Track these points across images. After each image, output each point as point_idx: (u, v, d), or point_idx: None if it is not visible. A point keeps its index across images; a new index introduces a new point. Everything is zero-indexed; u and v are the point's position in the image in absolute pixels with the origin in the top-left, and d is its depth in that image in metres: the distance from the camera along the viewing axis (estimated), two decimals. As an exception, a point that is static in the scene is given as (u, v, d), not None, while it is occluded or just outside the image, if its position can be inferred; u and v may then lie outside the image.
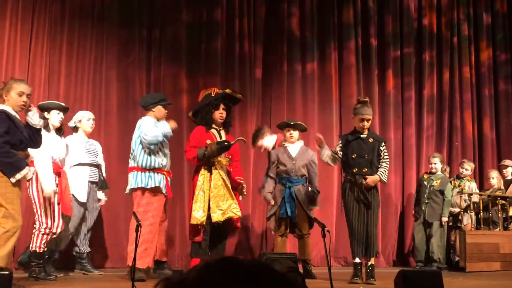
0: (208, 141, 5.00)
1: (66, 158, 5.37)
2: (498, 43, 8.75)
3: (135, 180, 4.90)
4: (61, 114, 5.18)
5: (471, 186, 7.20)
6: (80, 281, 5.08)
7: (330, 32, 7.84)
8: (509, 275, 6.21)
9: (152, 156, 4.94)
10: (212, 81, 6.96)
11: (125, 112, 6.71)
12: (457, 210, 6.98)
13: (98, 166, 5.68)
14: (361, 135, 5.22)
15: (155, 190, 4.93)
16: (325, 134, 7.44)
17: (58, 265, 5.51)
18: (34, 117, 4.18)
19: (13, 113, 4.12)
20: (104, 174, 5.78)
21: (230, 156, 5.20)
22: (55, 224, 4.94)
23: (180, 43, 7.14)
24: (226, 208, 4.89)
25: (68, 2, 6.73)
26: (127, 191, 5.11)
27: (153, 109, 5.12)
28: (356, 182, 5.11)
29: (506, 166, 7.55)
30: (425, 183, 6.96)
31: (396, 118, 8.02)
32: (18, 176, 4.01)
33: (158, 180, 4.93)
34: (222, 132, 5.18)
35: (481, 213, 6.81)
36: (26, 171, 4.05)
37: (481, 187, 7.82)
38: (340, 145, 5.30)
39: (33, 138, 4.22)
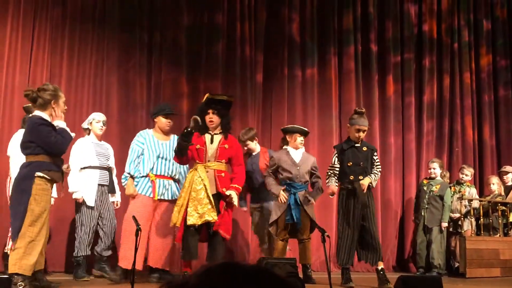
0: (198, 146, 4.98)
1: (74, 160, 5.46)
2: (498, 49, 8.77)
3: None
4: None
5: (471, 191, 7.20)
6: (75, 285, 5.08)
7: (330, 37, 7.85)
8: (509, 281, 6.21)
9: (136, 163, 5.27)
10: (212, 86, 6.97)
11: (125, 116, 6.72)
12: (457, 215, 6.98)
13: (109, 169, 5.66)
14: (356, 144, 5.41)
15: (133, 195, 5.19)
16: (324, 139, 7.51)
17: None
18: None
19: (50, 119, 4.19)
20: (115, 178, 5.77)
21: (223, 160, 5.06)
22: None
23: (180, 47, 7.16)
24: (203, 212, 4.83)
25: (69, 7, 6.74)
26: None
27: (155, 120, 5.37)
28: (356, 189, 5.21)
29: (507, 172, 7.55)
30: (425, 188, 6.96)
31: (396, 123, 8.03)
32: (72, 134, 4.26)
33: (143, 185, 5.18)
34: (217, 137, 5.06)
35: (481, 219, 6.80)
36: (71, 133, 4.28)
37: (481, 193, 7.82)
38: (336, 155, 5.47)
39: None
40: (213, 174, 4.97)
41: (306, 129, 5.76)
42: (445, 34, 8.50)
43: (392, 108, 8.00)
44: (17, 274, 3.90)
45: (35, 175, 4.02)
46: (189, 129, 4.76)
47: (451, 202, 6.95)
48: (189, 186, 4.91)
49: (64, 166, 4.45)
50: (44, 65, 6.50)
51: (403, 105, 8.14)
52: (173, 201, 5.17)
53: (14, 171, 5.13)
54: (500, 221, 6.93)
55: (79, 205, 5.48)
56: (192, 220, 4.81)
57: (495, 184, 7.27)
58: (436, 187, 6.88)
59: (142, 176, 5.22)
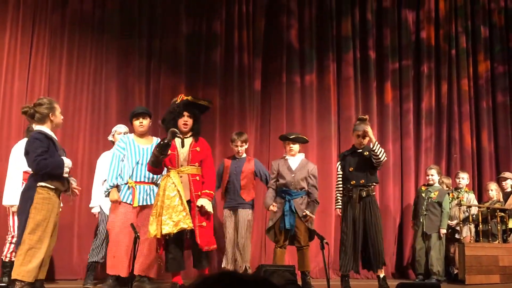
0: (169, 152, 4.69)
1: (99, 173, 5.58)
2: (496, 55, 8.79)
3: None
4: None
5: (469, 197, 7.20)
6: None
7: (328, 44, 7.87)
8: (508, 288, 6.20)
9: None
10: (211, 92, 6.99)
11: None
12: (455, 222, 6.97)
13: None
14: (357, 149, 5.47)
15: (118, 202, 5.09)
16: (323, 145, 7.51)
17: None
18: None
19: (51, 133, 4.25)
20: None
21: (196, 164, 4.85)
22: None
23: (179, 54, 7.17)
24: (178, 219, 4.61)
25: (68, 13, 6.76)
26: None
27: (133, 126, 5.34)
28: (352, 196, 5.26)
29: (506, 179, 7.54)
30: (423, 195, 6.96)
31: (395, 130, 8.03)
32: (66, 169, 4.18)
33: (123, 192, 5.09)
34: (188, 140, 4.86)
35: (480, 226, 6.80)
36: (68, 161, 4.22)
37: (480, 199, 7.81)
38: (339, 162, 5.57)
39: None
40: (187, 178, 4.76)
41: (291, 135, 5.67)
42: (443, 41, 8.52)
43: (390, 115, 8.01)
44: (17, 280, 3.99)
45: (37, 185, 4.12)
46: (166, 142, 4.58)
47: (450, 208, 6.94)
48: (163, 193, 4.69)
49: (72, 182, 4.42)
50: (43, 71, 6.52)
51: (401, 112, 8.15)
52: None
53: (9, 179, 5.29)
54: (499, 227, 6.92)
55: (102, 213, 5.56)
56: (167, 229, 4.57)
57: (493, 190, 7.27)
58: (434, 194, 6.88)
59: (122, 184, 5.14)
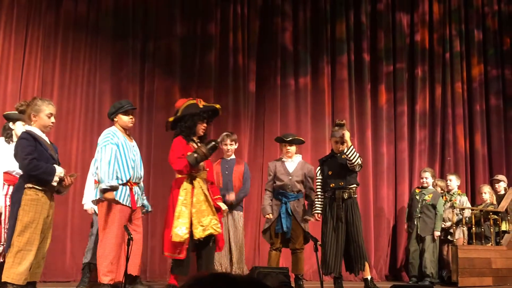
0: (189, 153, 4.76)
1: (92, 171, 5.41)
2: (489, 58, 8.83)
3: (96, 191, 4.63)
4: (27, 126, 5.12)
5: (462, 200, 7.22)
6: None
7: (323, 47, 7.89)
8: (501, 290, 6.22)
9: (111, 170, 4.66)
10: (205, 94, 6.97)
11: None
12: (448, 224, 6.99)
13: None
14: (335, 154, 5.46)
15: (116, 202, 4.60)
16: (317, 148, 7.51)
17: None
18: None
19: (39, 133, 4.18)
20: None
21: (208, 169, 5.02)
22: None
23: (174, 56, 7.17)
24: (207, 224, 4.70)
25: (62, 14, 6.75)
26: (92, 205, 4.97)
27: (115, 119, 4.79)
28: (335, 198, 5.25)
29: (499, 181, 7.57)
30: (417, 197, 6.98)
31: (389, 132, 8.05)
32: (56, 178, 4.09)
33: (120, 191, 4.61)
34: (200, 145, 4.92)
35: (473, 228, 6.82)
36: (60, 170, 4.13)
37: (473, 202, 7.84)
38: (319, 167, 5.53)
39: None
40: (206, 183, 4.90)
41: (288, 137, 5.58)
42: (437, 44, 8.56)
43: (384, 117, 8.03)
44: (7, 283, 3.94)
45: (25, 186, 4.07)
46: (216, 145, 4.80)
47: (444, 211, 6.96)
48: (190, 198, 4.71)
49: (70, 177, 4.29)
50: (36, 73, 6.49)
51: (395, 114, 8.17)
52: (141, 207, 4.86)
53: None
54: (492, 230, 6.94)
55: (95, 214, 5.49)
56: (198, 233, 4.65)
57: (487, 193, 7.30)
58: (428, 196, 6.90)
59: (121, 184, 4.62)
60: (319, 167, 5.56)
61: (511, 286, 6.69)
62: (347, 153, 5.19)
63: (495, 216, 7.02)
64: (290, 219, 5.35)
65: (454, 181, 7.29)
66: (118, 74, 6.90)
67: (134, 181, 4.72)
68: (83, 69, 6.75)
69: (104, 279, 4.47)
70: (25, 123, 4.25)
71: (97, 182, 4.61)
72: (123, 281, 4.03)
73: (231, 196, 5.61)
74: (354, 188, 5.34)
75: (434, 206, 6.84)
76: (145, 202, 4.99)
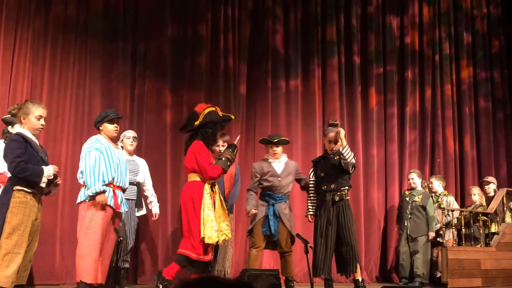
0: (219, 160, 4.87)
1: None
2: (478, 61, 8.90)
3: (83, 192, 4.60)
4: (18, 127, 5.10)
5: (449, 200, 7.27)
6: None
7: (313, 49, 7.91)
8: (490, 291, 6.26)
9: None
10: (196, 97, 6.97)
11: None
12: (438, 226, 7.03)
13: (137, 184, 5.75)
14: (328, 155, 5.45)
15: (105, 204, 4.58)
16: (308, 150, 7.52)
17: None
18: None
19: (30, 135, 4.19)
20: (146, 192, 5.96)
21: None
22: None
23: (164, 58, 7.15)
24: (223, 229, 4.82)
25: (51, 16, 6.71)
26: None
27: (100, 128, 4.83)
28: (326, 201, 5.26)
29: (488, 183, 7.63)
30: (407, 199, 7.01)
31: (379, 134, 8.08)
32: (44, 179, 4.09)
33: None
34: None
35: (463, 229, 6.86)
36: (47, 170, 4.12)
37: (462, 204, 7.89)
38: (312, 169, 5.52)
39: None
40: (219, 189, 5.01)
41: (274, 138, 5.51)
42: (426, 47, 8.61)
43: (375, 119, 8.06)
44: None
45: (14, 188, 4.06)
46: (237, 149, 4.98)
47: (434, 211, 6.99)
48: (213, 201, 4.81)
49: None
50: (26, 75, 6.45)
51: (385, 116, 8.20)
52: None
53: None
54: (481, 231, 6.99)
55: None
56: (220, 237, 4.78)
57: (476, 194, 7.35)
58: (418, 198, 6.93)
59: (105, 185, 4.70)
60: (312, 169, 5.55)
61: (500, 287, 6.73)
62: (342, 152, 5.17)
63: (485, 218, 7.07)
64: (278, 221, 5.32)
65: (435, 184, 7.34)
66: (108, 76, 6.87)
67: (117, 184, 4.69)
68: (72, 71, 6.72)
69: (87, 277, 4.42)
70: (18, 125, 4.28)
71: (83, 185, 4.61)
72: (113, 283, 4.03)
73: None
74: (346, 190, 5.31)
75: (424, 208, 6.87)
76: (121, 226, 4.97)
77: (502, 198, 7.32)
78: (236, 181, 5.89)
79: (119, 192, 4.72)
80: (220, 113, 5.01)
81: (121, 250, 5.45)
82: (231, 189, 5.88)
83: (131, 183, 5.41)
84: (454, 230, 6.98)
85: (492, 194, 7.51)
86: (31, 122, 4.22)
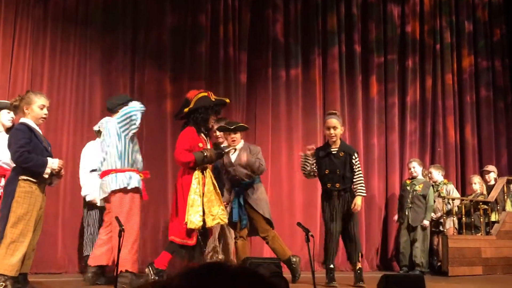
0: (200, 144, 4.85)
1: (85, 163, 5.52)
2: (479, 50, 8.88)
3: (115, 181, 4.69)
4: (12, 114, 5.03)
5: (449, 188, 7.29)
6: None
7: (314, 39, 7.88)
8: (490, 279, 6.29)
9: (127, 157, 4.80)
10: (196, 86, 6.90)
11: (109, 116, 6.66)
12: (439, 215, 7.05)
13: None
14: (332, 150, 5.32)
15: (136, 191, 4.75)
16: (309, 139, 7.52)
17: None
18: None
19: (34, 125, 4.23)
20: None
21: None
22: None
23: (164, 47, 7.13)
24: (216, 213, 4.81)
25: (51, 6, 6.67)
26: (102, 196, 4.88)
27: (119, 111, 4.90)
28: (333, 197, 5.25)
29: (489, 172, 7.64)
30: (408, 188, 7.02)
31: (380, 123, 8.08)
32: (48, 170, 4.12)
33: (137, 180, 4.75)
34: (207, 137, 5.08)
35: (463, 218, 6.89)
36: (51, 162, 4.14)
37: (463, 192, 7.91)
38: (314, 161, 5.38)
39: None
40: (211, 174, 4.99)
41: (231, 125, 5.42)
42: (427, 36, 8.58)
43: (375, 109, 8.06)
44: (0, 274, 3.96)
45: (19, 178, 4.09)
46: (226, 152, 5.01)
47: (434, 201, 7.01)
48: (202, 186, 4.80)
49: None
50: (26, 64, 6.42)
51: (386, 106, 8.20)
52: None
53: None
54: (482, 220, 7.01)
55: (85, 206, 5.55)
56: (209, 222, 4.77)
57: (476, 183, 7.37)
58: (419, 187, 6.95)
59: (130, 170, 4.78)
60: (314, 158, 5.38)
61: (501, 275, 6.77)
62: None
63: (485, 206, 7.09)
64: (242, 209, 5.28)
65: (434, 173, 7.35)
66: (108, 66, 6.85)
67: (141, 170, 4.91)
68: (72, 61, 6.70)
69: (133, 267, 4.61)
70: (22, 115, 4.28)
71: (106, 173, 4.71)
72: (115, 274, 4.04)
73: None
74: (349, 186, 5.34)
75: (424, 197, 6.89)
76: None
77: (503, 186, 7.34)
78: None
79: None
80: (213, 98, 4.99)
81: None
82: None
83: None
84: (454, 218, 7.00)
85: (492, 183, 7.53)
86: (34, 112, 4.24)
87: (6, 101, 5.31)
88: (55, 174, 4.26)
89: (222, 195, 5.25)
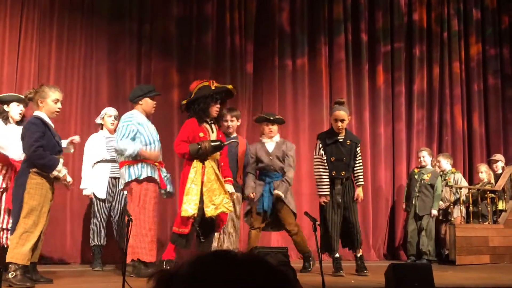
0: (201, 134, 4.84)
1: (87, 156, 5.63)
2: (487, 38, 8.80)
3: (128, 173, 4.79)
4: (21, 106, 5.13)
5: (456, 177, 7.26)
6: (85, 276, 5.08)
7: (320, 27, 7.84)
8: (498, 268, 6.28)
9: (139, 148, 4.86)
10: (203, 75, 6.92)
11: (115, 107, 6.65)
12: (447, 204, 7.04)
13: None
14: (339, 138, 5.35)
15: (150, 180, 4.82)
16: (315, 129, 7.50)
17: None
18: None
19: (47, 119, 4.27)
20: None
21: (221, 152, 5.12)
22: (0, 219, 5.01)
23: (170, 37, 7.12)
24: (219, 202, 4.81)
25: (57, -4, 6.68)
26: (121, 186, 5.00)
27: (140, 102, 5.00)
28: (335, 187, 5.29)
29: (496, 161, 7.61)
30: (416, 177, 7.01)
31: (387, 112, 8.05)
32: (55, 172, 4.19)
33: (150, 170, 4.82)
34: (214, 126, 5.04)
35: (471, 207, 6.87)
36: (60, 167, 4.20)
37: (471, 181, 7.88)
38: (321, 146, 5.39)
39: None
40: (217, 164, 4.97)
41: (271, 116, 5.55)
42: (434, 24, 8.51)
43: (382, 98, 8.02)
44: (11, 263, 4.03)
45: (30, 170, 4.14)
46: (225, 144, 4.93)
47: (442, 190, 6.99)
48: (199, 175, 4.80)
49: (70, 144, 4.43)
50: (33, 55, 6.44)
51: (393, 95, 8.16)
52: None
53: None
54: (489, 208, 6.99)
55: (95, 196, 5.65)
56: (209, 211, 4.76)
57: (483, 172, 7.34)
58: (427, 176, 6.93)
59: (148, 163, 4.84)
60: (320, 145, 5.39)
61: (508, 263, 6.75)
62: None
63: (493, 195, 7.07)
64: (272, 198, 5.35)
65: (442, 162, 7.32)
66: (114, 56, 6.85)
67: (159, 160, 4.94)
68: (79, 51, 6.71)
69: (145, 257, 4.66)
70: (36, 109, 4.33)
71: (121, 164, 4.80)
72: (123, 263, 4.06)
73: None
74: (351, 175, 5.39)
75: (432, 186, 6.88)
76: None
77: (510, 175, 7.31)
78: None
79: (162, 169, 4.93)
80: (213, 86, 4.98)
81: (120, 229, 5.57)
82: (242, 166, 5.87)
83: (115, 161, 5.43)
84: (462, 207, 6.98)
85: (500, 171, 7.50)
86: (49, 106, 4.29)
87: (16, 94, 5.34)
88: (60, 180, 4.31)
89: (235, 182, 5.30)
